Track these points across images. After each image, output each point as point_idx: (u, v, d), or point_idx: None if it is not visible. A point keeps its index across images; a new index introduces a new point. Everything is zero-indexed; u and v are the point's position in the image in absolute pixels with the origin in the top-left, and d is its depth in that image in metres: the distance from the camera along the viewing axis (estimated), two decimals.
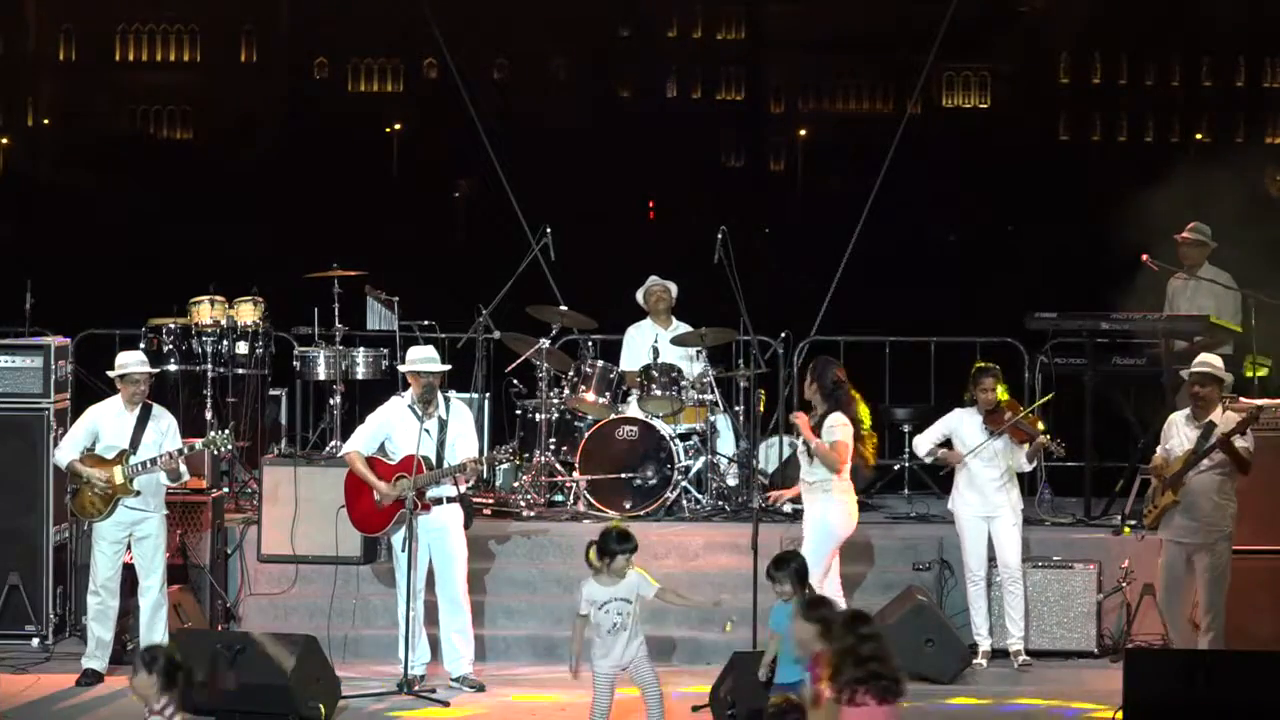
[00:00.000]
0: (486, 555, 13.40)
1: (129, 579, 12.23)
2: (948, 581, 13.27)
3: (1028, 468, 12.78)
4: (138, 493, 12.07)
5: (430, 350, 12.37)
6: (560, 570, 13.51)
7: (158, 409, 12.34)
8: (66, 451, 12.24)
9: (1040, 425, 12.64)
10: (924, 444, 12.92)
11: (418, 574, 12.03)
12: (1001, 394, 12.62)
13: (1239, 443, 11.92)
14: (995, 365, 12.97)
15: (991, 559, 12.74)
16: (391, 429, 12.21)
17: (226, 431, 12.48)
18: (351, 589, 13.12)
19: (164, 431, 12.20)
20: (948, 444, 12.79)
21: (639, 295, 15.38)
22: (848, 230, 17.58)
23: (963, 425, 12.71)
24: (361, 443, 12.25)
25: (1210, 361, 12.24)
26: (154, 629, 12.04)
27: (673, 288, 15.31)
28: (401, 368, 12.61)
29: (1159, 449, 12.38)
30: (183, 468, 12.12)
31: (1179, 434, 12.20)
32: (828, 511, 12.01)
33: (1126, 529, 13.47)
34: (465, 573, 12.21)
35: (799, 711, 8.42)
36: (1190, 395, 12.21)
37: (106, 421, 12.20)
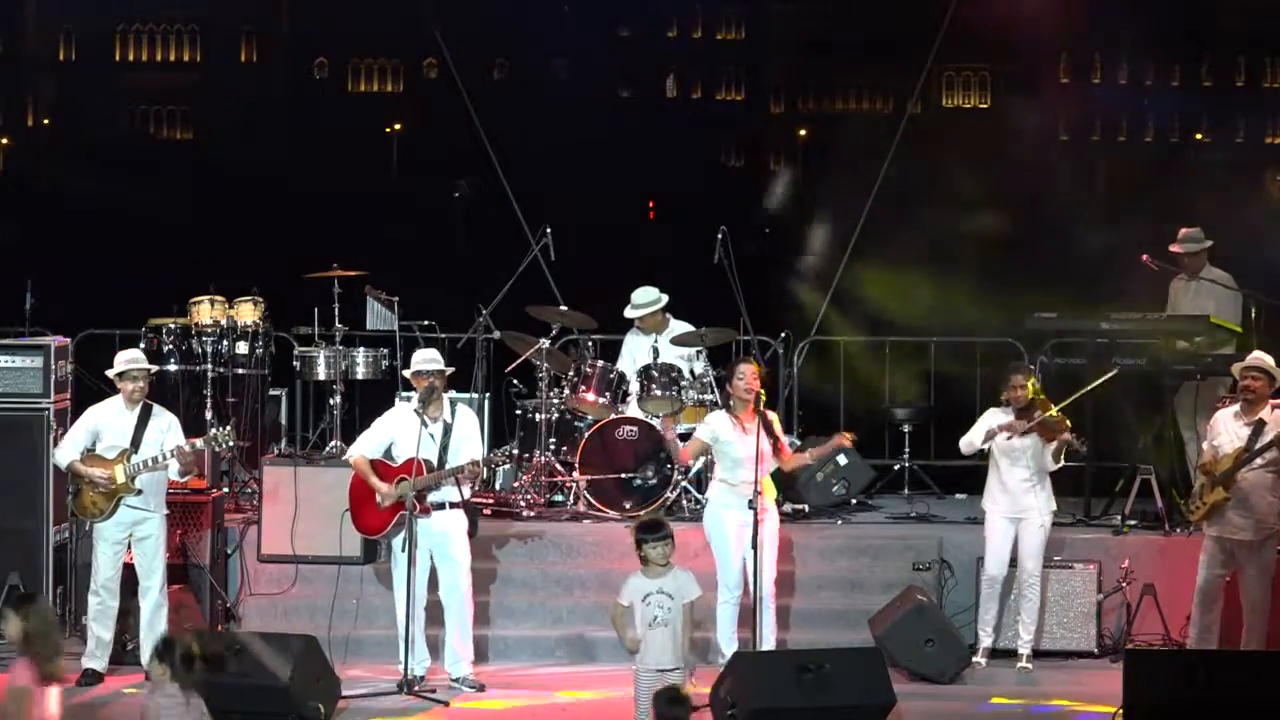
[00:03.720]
0: (487, 555, 13.38)
1: (129, 579, 12.24)
2: (948, 581, 13.26)
3: (1053, 467, 12.57)
4: (139, 491, 12.08)
5: (432, 352, 12.38)
6: (560, 570, 13.52)
7: (158, 408, 12.35)
8: (66, 452, 12.25)
9: (1067, 423, 12.52)
10: (973, 439, 12.57)
11: (418, 576, 12.04)
12: (1032, 391, 12.49)
13: None
14: (1027, 363, 12.89)
15: (1011, 561, 12.69)
16: (396, 433, 12.21)
17: (228, 428, 12.50)
18: (352, 589, 13.11)
19: (165, 430, 12.21)
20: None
21: (627, 313, 15.15)
22: (848, 230, 17.59)
23: (995, 423, 12.60)
24: (367, 447, 12.24)
25: (1262, 357, 12.17)
26: (154, 629, 12.04)
27: (660, 303, 14.93)
28: (406, 372, 12.61)
29: (1205, 445, 12.34)
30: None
31: (1227, 430, 12.13)
32: (776, 518, 12.19)
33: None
34: (469, 578, 12.19)
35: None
36: (1241, 390, 12.15)
37: (107, 421, 12.21)
